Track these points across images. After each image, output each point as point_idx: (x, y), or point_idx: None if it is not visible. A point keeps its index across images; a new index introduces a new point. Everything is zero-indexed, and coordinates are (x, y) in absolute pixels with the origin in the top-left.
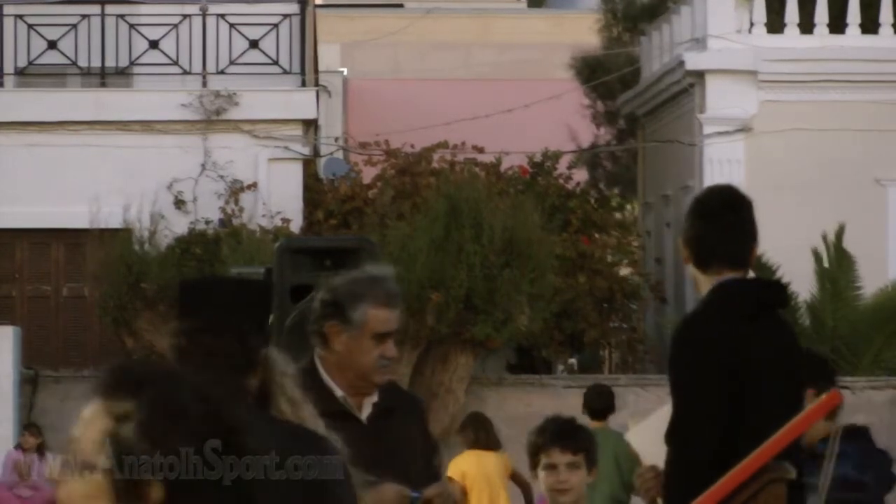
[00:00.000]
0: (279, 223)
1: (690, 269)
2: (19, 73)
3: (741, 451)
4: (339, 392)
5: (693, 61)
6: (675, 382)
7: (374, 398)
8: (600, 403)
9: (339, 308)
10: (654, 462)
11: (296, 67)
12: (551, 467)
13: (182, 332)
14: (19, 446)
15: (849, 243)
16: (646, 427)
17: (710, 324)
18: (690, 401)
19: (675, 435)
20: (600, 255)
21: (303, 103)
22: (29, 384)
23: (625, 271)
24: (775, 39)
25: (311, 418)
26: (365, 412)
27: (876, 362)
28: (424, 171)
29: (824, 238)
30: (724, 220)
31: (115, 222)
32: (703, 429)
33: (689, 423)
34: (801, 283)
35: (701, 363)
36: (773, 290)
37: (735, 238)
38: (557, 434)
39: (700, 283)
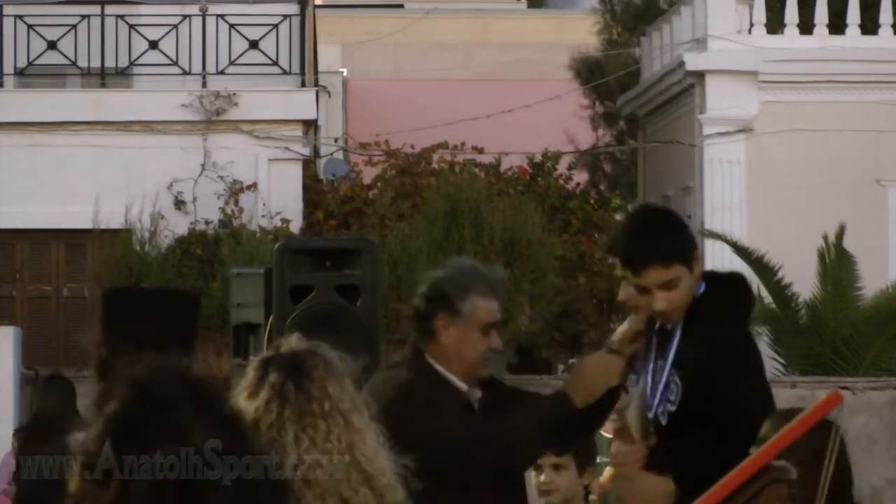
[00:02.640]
0: (279, 223)
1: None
2: (19, 73)
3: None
4: (463, 386)
5: (693, 62)
6: (744, 385)
7: (478, 393)
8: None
9: (448, 300)
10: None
11: (296, 68)
12: (537, 468)
13: (104, 344)
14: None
15: (849, 243)
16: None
17: (747, 325)
18: (754, 400)
19: (734, 433)
20: (601, 255)
21: (303, 104)
22: (29, 385)
23: None
24: (775, 40)
25: (368, 420)
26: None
27: (876, 363)
28: (424, 171)
29: (825, 238)
30: None
31: (115, 223)
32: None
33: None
34: (802, 283)
35: (759, 362)
36: None
37: None
38: None
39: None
